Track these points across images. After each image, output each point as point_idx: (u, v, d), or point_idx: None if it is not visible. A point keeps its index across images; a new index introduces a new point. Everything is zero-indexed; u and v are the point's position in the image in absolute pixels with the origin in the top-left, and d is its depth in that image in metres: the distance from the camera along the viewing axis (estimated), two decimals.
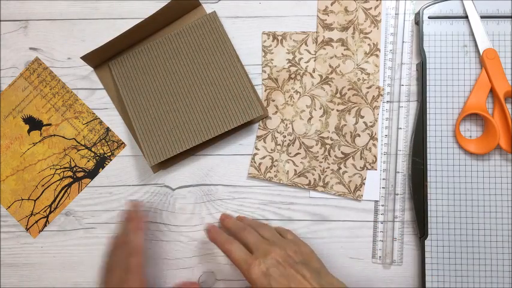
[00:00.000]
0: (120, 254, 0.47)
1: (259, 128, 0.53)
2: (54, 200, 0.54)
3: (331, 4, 0.53)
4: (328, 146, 0.52)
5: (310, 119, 0.53)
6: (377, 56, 0.53)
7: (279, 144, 0.53)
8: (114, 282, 0.45)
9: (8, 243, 0.54)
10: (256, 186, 0.53)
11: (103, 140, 0.54)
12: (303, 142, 0.53)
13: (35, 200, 0.54)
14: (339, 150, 0.52)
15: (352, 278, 0.52)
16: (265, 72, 0.53)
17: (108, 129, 0.54)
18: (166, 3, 0.50)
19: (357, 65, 0.53)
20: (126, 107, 0.52)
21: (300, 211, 0.53)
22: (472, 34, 0.51)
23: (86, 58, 0.51)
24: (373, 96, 0.52)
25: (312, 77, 0.53)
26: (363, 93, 0.52)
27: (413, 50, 0.53)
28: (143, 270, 0.46)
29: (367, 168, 0.52)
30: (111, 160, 0.54)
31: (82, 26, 0.55)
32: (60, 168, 0.54)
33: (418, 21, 0.52)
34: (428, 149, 0.51)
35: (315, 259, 0.46)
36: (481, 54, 0.50)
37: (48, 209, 0.54)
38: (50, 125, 0.54)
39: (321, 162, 0.52)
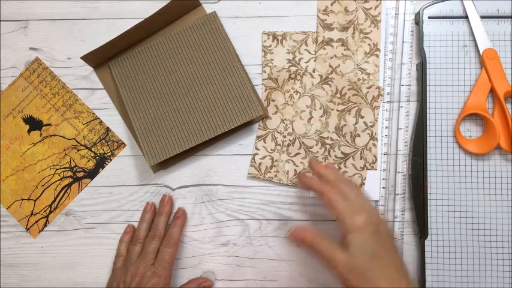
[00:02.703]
0: (153, 243, 0.49)
1: (259, 128, 0.53)
2: (54, 200, 0.54)
3: (331, 4, 0.53)
4: (328, 146, 0.52)
5: (310, 119, 0.53)
6: (377, 56, 0.53)
7: (279, 144, 0.53)
8: (142, 266, 0.48)
9: (8, 243, 0.54)
10: (256, 186, 0.53)
11: (103, 140, 0.54)
12: (303, 142, 0.53)
13: (35, 200, 0.54)
14: (339, 150, 0.52)
15: None
16: (265, 72, 0.53)
17: (108, 129, 0.54)
18: (166, 3, 0.50)
19: (357, 65, 0.53)
20: (126, 107, 0.52)
21: (300, 211, 0.53)
22: (472, 34, 0.51)
23: (86, 58, 0.51)
24: (373, 96, 0.52)
25: (312, 77, 0.53)
26: (363, 93, 0.52)
27: (413, 50, 0.53)
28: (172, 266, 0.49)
29: (367, 168, 0.52)
30: (111, 160, 0.54)
31: (82, 26, 0.55)
32: (60, 168, 0.54)
33: (418, 21, 0.52)
34: (428, 149, 0.50)
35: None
36: (481, 54, 0.50)
37: (48, 209, 0.54)
38: (50, 125, 0.54)
39: (321, 162, 0.52)
